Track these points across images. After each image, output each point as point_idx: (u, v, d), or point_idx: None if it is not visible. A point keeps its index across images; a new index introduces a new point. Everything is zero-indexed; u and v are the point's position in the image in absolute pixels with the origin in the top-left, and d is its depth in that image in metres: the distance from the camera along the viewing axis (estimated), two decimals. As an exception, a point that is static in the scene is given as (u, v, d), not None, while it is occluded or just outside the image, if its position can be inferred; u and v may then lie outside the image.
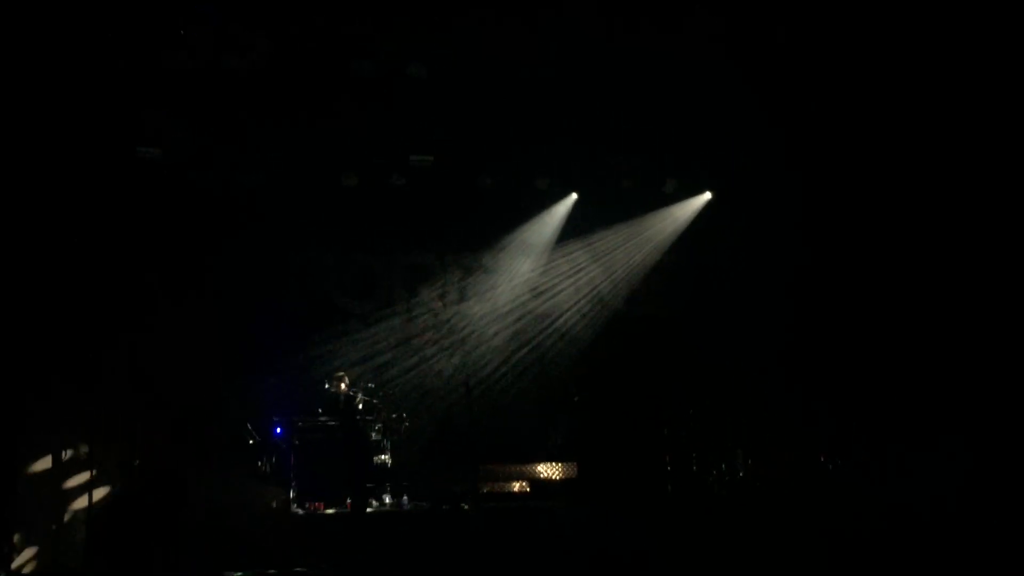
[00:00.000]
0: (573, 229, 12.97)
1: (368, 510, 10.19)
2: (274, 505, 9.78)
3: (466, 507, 9.45)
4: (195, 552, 8.66)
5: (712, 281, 12.87)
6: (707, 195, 13.01)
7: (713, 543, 8.82)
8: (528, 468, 9.62)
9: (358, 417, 10.84)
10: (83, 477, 9.31)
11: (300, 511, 10.08)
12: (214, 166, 11.28)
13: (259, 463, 10.54)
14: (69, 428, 9.47)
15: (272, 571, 8.55)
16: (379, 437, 10.92)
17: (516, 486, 9.56)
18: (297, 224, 11.99)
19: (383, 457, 10.85)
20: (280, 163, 11.44)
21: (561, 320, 12.97)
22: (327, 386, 11.00)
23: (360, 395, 11.00)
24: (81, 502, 9.30)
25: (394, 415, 11.15)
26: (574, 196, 12.83)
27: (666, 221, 13.00)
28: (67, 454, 9.48)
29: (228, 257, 11.72)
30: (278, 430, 10.77)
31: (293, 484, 10.30)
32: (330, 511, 10.14)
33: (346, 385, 11.01)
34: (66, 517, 9.33)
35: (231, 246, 11.73)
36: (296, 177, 11.70)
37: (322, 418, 10.73)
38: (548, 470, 9.56)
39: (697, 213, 13.02)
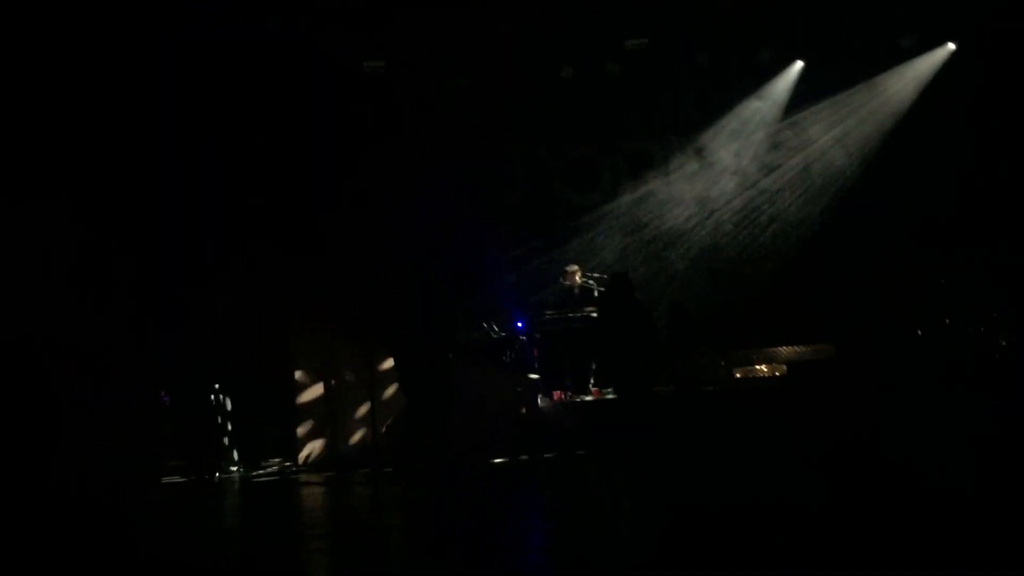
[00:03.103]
0: (801, 100, 12.30)
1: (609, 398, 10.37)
2: (524, 394, 10.07)
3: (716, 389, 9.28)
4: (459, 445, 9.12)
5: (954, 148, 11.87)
6: (949, 47, 11.93)
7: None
8: (783, 351, 9.38)
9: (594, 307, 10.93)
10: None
11: (546, 401, 10.38)
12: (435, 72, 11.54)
13: (504, 356, 10.88)
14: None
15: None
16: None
17: (771, 369, 9.36)
18: (515, 118, 12.07)
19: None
20: (495, 57, 11.51)
21: (791, 199, 12.46)
22: (561, 279, 11.16)
23: (595, 286, 11.07)
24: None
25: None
26: (800, 64, 12.15)
27: (904, 79, 12.07)
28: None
29: (449, 156, 11.99)
30: (519, 324, 11.07)
31: (537, 375, 10.60)
32: (576, 400, 10.39)
33: (579, 277, 11.12)
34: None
35: (453, 144, 11.98)
36: (512, 70, 11.75)
37: (560, 311, 10.90)
38: (805, 352, 9.29)
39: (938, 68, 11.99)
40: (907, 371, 9.40)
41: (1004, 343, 10.42)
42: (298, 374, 9.71)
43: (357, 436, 9.73)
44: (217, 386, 9.66)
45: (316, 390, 9.74)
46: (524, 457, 8.91)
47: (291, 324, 9.94)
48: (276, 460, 9.96)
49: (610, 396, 10.41)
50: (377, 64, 11.28)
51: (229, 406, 9.71)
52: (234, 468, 9.61)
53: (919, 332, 10.67)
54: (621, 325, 9.44)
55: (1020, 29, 11.23)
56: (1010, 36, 11.37)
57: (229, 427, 9.66)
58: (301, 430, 9.62)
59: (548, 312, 10.92)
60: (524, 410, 9.80)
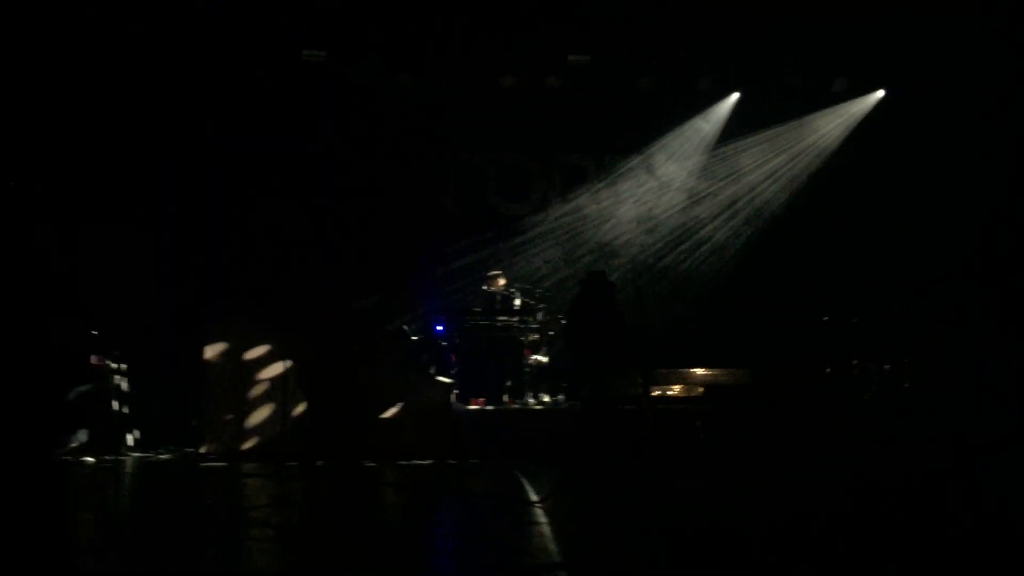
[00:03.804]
0: (734, 131, 12.56)
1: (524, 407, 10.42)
2: (439, 400, 10.05)
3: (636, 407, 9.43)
4: (365, 442, 9.07)
5: (881, 188, 12.24)
6: (879, 93, 12.32)
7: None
8: (699, 373, 9.52)
9: (515, 316, 10.97)
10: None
11: (460, 407, 10.37)
12: (374, 66, 11.50)
13: (421, 359, 10.84)
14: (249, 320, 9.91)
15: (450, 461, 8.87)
16: (535, 336, 11.06)
17: (685, 390, 9.50)
18: (454, 126, 12.09)
19: (540, 356, 11.00)
20: (437, 63, 11.57)
21: (719, 225, 12.70)
22: (484, 286, 11.18)
23: (517, 294, 11.12)
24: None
25: (550, 316, 11.23)
26: (736, 96, 12.41)
27: (834, 122, 12.42)
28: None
29: (386, 159, 11.98)
30: (439, 328, 11.04)
31: (454, 380, 10.58)
32: (490, 408, 10.40)
33: (503, 285, 11.15)
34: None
35: (389, 148, 11.99)
36: (453, 77, 11.81)
37: (481, 317, 10.91)
38: (721, 375, 9.46)
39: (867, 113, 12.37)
40: (812, 407, 9.70)
41: (907, 386, 10.74)
42: (208, 358, 9.49)
43: (266, 426, 9.54)
44: (116, 366, 9.42)
45: (227, 376, 9.53)
46: (431, 462, 8.90)
47: (205, 309, 9.76)
48: (179, 446, 9.74)
49: (537, 407, 10.48)
50: (317, 53, 11.14)
51: (126, 387, 9.47)
52: (131, 451, 9.38)
53: (827, 370, 10.93)
54: (593, 329, 9.48)
55: (947, 81, 11.68)
56: (938, 87, 11.82)
57: (126, 410, 9.42)
58: (208, 417, 9.41)
59: (469, 317, 10.92)
60: (438, 414, 9.78)
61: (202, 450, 9.27)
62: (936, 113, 11.86)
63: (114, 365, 9.46)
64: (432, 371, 10.63)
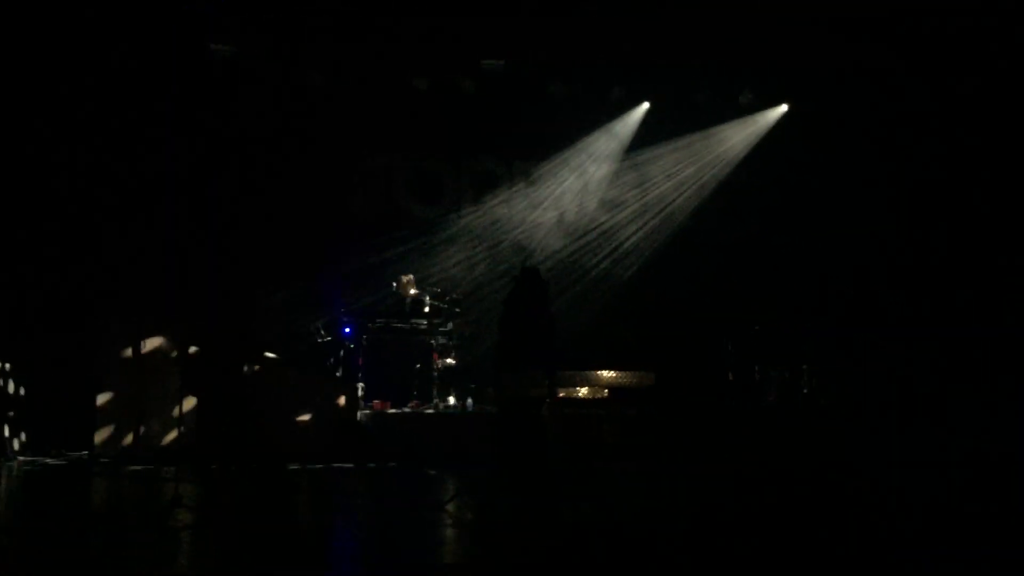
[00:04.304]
0: (643, 140, 12.75)
1: (431, 411, 10.36)
2: (341, 403, 9.92)
3: (543, 412, 9.48)
4: (263, 448, 8.89)
5: (785, 198, 12.59)
6: (783, 107, 12.69)
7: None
8: (602, 375, 9.61)
9: (424, 319, 10.91)
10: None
11: (366, 410, 10.25)
12: (286, 65, 11.33)
13: (327, 362, 10.69)
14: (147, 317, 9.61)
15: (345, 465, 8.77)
16: (445, 340, 11.01)
17: (591, 392, 9.57)
18: (365, 127, 11.97)
19: (448, 360, 10.96)
20: (351, 64, 11.47)
21: (628, 232, 12.86)
22: (394, 287, 11.08)
23: (427, 298, 11.05)
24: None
25: (460, 320, 11.19)
26: (646, 106, 12.61)
27: (740, 134, 12.73)
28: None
29: (297, 158, 11.78)
30: (347, 330, 10.89)
31: (360, 383, 10.46)
32: (395, 411, 10.30)
33: (413, 287, 11.07)
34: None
35: (300, 147, 11.80)
36: (366, 79, 11.72)
37: (389, 320, 10.82)
38: (625, 378, 9.56)
39: (772, 126, 12.72)
40: (715, 410, 9.93)
41: (805, 391, 11.05)
42: (104, 358, 9.16)
43: (163, 430, 9.24)
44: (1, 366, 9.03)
45: (122, 376, 9.20)
46: (337, 465, 8.78)
47: (97, 306, 9.44)
48: (69, 449, 9.37)
49: (443, 410, 10.41)
50: (225, 48, 10.89)
51: (12, 388, 9.07)
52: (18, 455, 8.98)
53: (730, 376, 11.18)
54: (525, 328, 9.39)
55: (847, 97, 12.11)
56: (838, 103, 12.23)
57: (10, 413, 9.01)
58: (101, 418, 9.06)
59: (378, 320, 10.81)
60: (341, 417, 9.65)
61: (94, 452, 8.93)
62: (838, 125, 12.27)
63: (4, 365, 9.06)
64: (338, 373, 10.50)
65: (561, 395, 9.03)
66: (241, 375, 9.32)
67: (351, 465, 8.84)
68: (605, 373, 9.49)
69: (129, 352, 9.20)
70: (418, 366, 10.68)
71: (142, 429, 9.02)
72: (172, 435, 9.02)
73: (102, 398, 9.07)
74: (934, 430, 9.12)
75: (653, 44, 11.51)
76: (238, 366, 9.34)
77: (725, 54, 11.75)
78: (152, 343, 9.18)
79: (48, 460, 8.96)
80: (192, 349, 9.20)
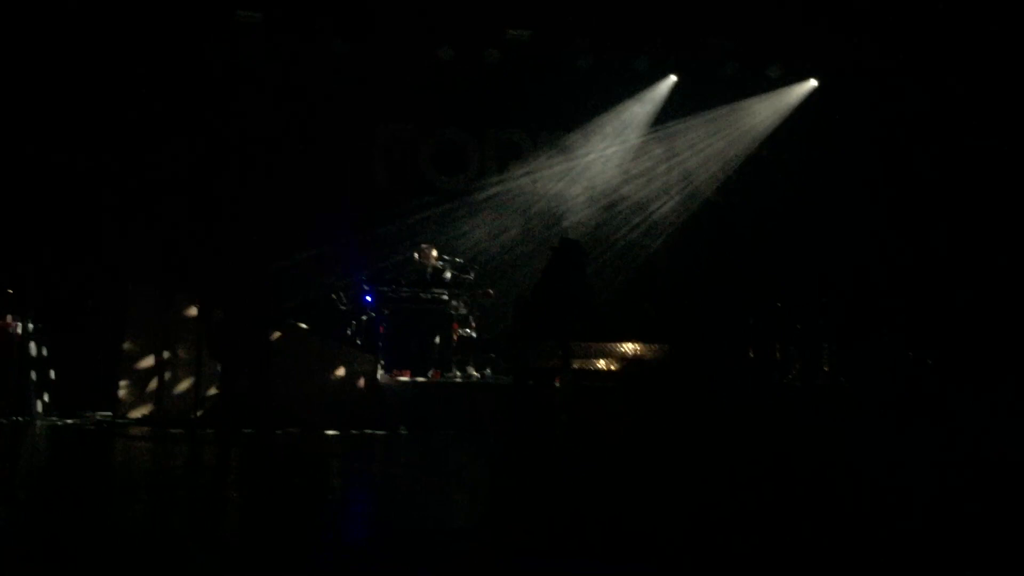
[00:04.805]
0: (670, 113, 12.64)
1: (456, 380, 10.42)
2: (361, 370, 9.99)
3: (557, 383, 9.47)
4: (286, 413, 9.01)
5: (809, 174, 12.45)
6: (812, 82, 12.51)
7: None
8: (619, 347, 9.58)
9: (445, 288, 10.93)
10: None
11: (386, 378, 10.30)
12: (312, 33, 11.33)
13: (348, 330, 10.77)
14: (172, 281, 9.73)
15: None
16: (466, 310, 11.04)
17: (606, 364, 9.56)
18: (389, 96, 11.96)
19: (468, 330, 11.00)
20: (376, 33, 11.44)
21: (653, 205, 12.79)
22: (416, 256, 11.10)
23: (448, 268, 11.07)
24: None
25: (480, 289, 11.20)
26: (673, 79, 12.49)
27: (768, 109, 12.58)
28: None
29: (321, 126, 11.80)
30: (368, 298, 10.94)
31: (381, 352, 10.51)
32: (417, 379, 10.36)
33: (435, 257, 11.09)
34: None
35: (325, 116, 11.81)
36: (391, 47, 11.69)
37: (410, 289, 10.84)
38: (641, 350, 9.53)
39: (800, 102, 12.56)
40: (732, 388, 9.86)
41: (826, 369, 10.99)
42: (129, 322, 9.30)
43: (185, 393, 9.38)
44: (30, 327, 9.17)
45: (147, 341, 9.34)
46: (356, 432, 8.88)
47: (124, 271, 9.57)
48: (93, 411, 9.54)
49: (459, 380, 10.46)
50: (252, 14, 10.90)
51: (35, 349, 9.22)
52: (42, 414, 9.15)
53: (751, 353, 11.12)
54: (562, 300, 9.37)
55: (876, 72, 11.92)
56: (867, 78, 12.05)
57: (33, 374, 9.17)
58: (125, 381, 9.22)
59: (401, 288, 10.84)
60: (362, 384, 9.74)
61: (118, 414, 9.09)
62: (867, 101, 12.09)
63: (29, 326, 9.21)
64: (359, 342, 10.57)
65: (576, 367, 9.04)
66: (265, 340, 9.41)
67: (371, 432, 8.90)
68: (622, 345, 9.47)
69: (154, 315, 9.35)
70: (437, 337, 10.72)
71: (165, 393, 9.16)
72: (194, 398, 9.17)
73: (127, 361, 9.23)
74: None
75: (680, 15, 11.37)
76: (262, 331, 9.44)
77: (754, 25, 11.59)
78: (176, 307, 9.30)
79: (70, 421, 9.14)
80: (216, 313, 9.32)
